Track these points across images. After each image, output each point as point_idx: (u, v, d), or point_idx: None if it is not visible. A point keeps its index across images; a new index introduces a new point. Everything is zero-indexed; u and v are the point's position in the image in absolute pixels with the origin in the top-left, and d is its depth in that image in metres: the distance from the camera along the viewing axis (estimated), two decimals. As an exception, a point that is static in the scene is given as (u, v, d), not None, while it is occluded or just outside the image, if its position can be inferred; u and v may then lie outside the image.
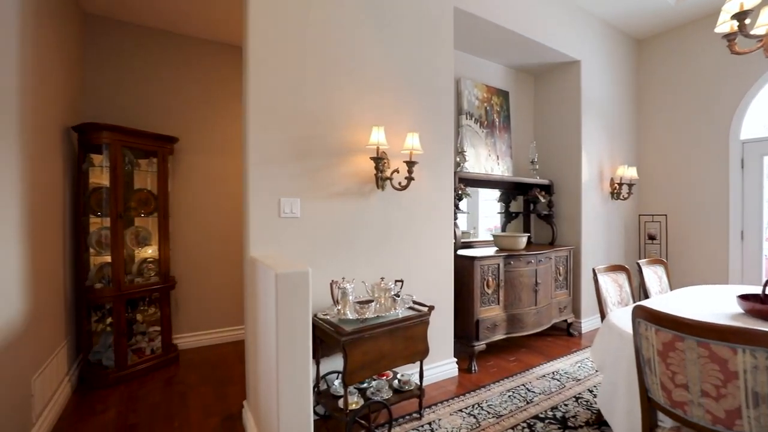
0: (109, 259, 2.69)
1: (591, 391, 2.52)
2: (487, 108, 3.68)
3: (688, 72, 4.02)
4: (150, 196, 2.99)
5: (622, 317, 1.82)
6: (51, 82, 2.29)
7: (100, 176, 2.73)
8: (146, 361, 2.87)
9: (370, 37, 2.39)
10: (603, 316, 2.14)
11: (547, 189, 3.84)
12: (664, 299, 2.15)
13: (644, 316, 1.31)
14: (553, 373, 2.83)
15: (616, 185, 4.04)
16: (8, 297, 1.72)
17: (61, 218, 2.47)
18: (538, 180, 3.73)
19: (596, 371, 2.83)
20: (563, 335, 3.68)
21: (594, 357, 1.89)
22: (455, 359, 2.81)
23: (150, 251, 3.05)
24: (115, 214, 2.67)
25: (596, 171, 3.93)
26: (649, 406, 1.38)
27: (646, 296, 2.50)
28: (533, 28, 3.33)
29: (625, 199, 4.07)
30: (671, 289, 2.74)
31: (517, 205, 3.98)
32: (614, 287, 2.32)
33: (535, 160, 3.79)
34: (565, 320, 3.61)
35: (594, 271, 2.24)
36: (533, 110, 4.24)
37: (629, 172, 3.97)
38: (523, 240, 3.31)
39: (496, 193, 3.85)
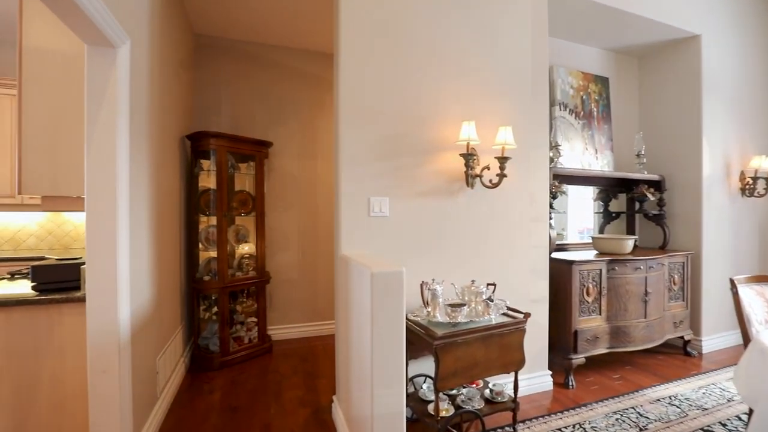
0: (214, 254, 2.97)
1: (724, 425, 2.12)
2: (584, 97, 3.34)
3: None
4: (248, 197, 3.25)
5: (778, 340, 1.49)
6: (171, 96, 2.59)
7: (207, 179, 3.03)
8: (245, 349, 3.11)
9: (458, 30, 2.30)
10: (746, 337, 1.78)
11: (657, 185, 3.36)
12: (835, 320, 1.72)
13: (830, 342, 1.04)
14: (670, 397, 2.45)
15: (748, 180, 3.39)
16: (142, 285, 1.97)
17: (177, 217, 2.79)
18: (645, 175, 3.28)
19: (728, 401, 2.39)
20: (678, 354, 3.19)
21: (739, 387, 1.57)
22: (550, 372, 2.58)
23: (247, 248, 3.31)
24: (221, 213, 2.93)
25: (721, 163, 3.34)
26: (835, 457, 1.09)
27: (804, 315, 2.02)
28: (638, 2, 2.94)
29: (761, 196, 3.40)
30: (838, 308, 2.19)
31: (618, 204, 3.55)
32: (760, 302, 1.92)
33: (642, 152, 3.34)
34: (681, 337, 3.12)
35: (733, 281, 1.88)
36: (638, 97, 3.75)
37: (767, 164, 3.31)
38: (630, 243, 2.93)
39: (588, 191, 3.47)
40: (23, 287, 1.86)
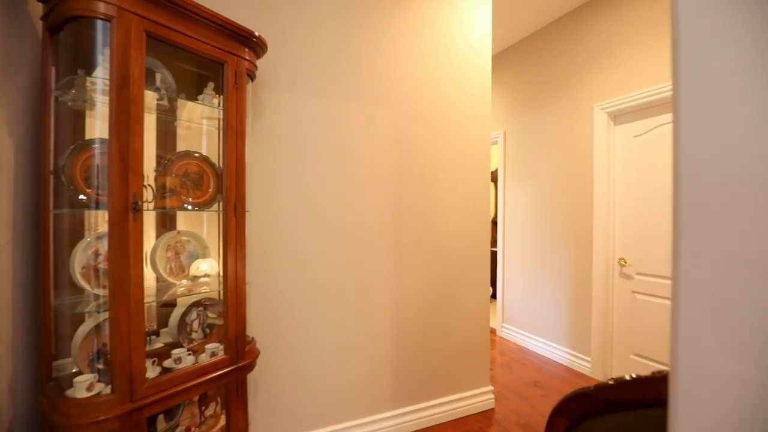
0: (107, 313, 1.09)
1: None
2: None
3: None
4: (207, 168, 1.46)
5: None
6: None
7: (93, 118, 1.26)
8: None
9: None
10: None
11: None
12: None
13: None
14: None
15: None
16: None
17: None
18: None
19: None
20: None
21: None
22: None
23: (206, 284, 1.47)
24: (120, 201, 1.06)
25: None
26: None
27: None
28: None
29: None
30: None
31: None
32: None
33: None
34: None
35: None
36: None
37: None
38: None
39: None
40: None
